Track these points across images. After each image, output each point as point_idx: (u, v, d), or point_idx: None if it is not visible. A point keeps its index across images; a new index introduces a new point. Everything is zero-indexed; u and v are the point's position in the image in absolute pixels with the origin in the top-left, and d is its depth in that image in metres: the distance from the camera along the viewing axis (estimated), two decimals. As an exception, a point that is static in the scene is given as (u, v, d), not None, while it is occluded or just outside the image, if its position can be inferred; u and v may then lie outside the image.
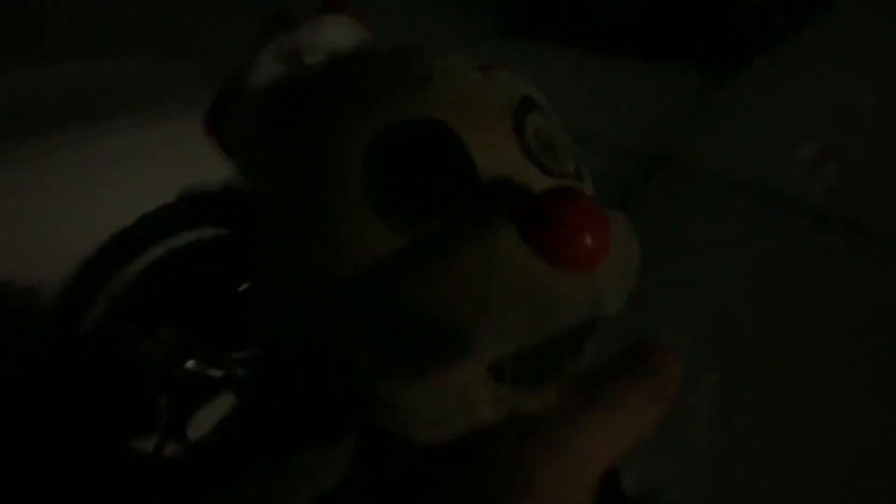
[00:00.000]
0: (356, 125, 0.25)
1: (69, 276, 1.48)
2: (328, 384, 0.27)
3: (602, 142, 2.86)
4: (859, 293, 2.17)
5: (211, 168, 1.50)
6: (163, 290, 1.62)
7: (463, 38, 3.34)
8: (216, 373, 1.61)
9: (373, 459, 0.28)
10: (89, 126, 1.39)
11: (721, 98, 3.13)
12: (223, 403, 1.68)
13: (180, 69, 1.76)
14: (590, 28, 3.60)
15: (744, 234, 2.42)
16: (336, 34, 0.31)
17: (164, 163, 1.44)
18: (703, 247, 2.35)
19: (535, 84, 0.30)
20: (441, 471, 0.24)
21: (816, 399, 1.87)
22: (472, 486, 0.23)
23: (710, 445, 1.74)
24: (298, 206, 0.27)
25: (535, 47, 3.49)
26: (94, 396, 1.57)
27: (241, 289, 1.58)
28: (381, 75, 0.27)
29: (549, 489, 0.22)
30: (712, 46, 3.29)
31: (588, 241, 0.22)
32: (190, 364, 1.60)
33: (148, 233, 1.55)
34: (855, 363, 1.95)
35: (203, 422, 1.69)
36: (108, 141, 1.38)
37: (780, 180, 2.63)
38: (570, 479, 0.23)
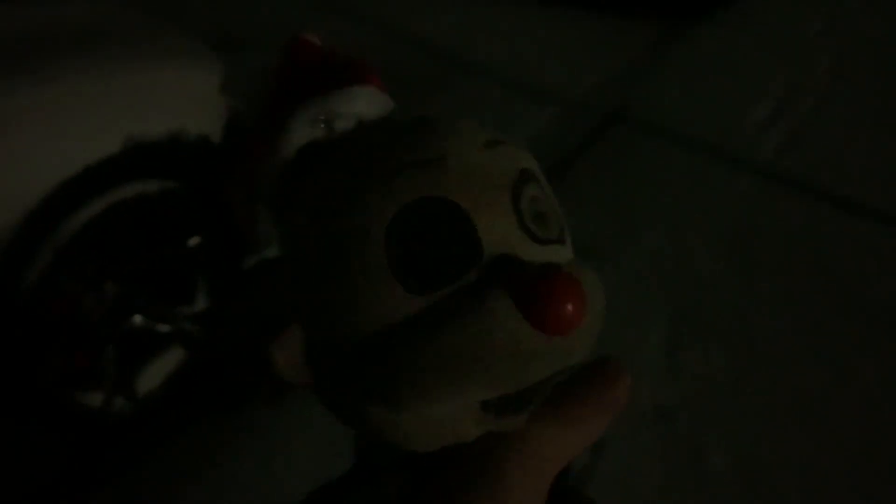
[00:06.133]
0: (382, 201, 0.29)
1: (9, 229, 1.44)
2: (334, 409, 0.32)
3: (559, 95, 2.86)
4: (805, 247, 2.22)
5: (156, 118, 1.47)
6: (108, 244, 1.59)
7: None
8: (164, 327, 1.60)
9: (371, 458, 0.34)
10: (27, 74, 1.33)
11: (676, 54, 3.14)
12: (172, 358, 1.67)
13: (124, 16, 1.70)
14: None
15: (695, 190, 2.45)
16: (364, 104, 0.34)
17: (108, 112, 1.39)
18: (655, 201, 2.37)
19: (531, 155, 0.35)
20: (430, 468, 0.30)
21: (760, 349, 1.93)
22: (456, 480, 0.30)
23: (656, 400, 1.78)
24: (327, 265, 0.30)
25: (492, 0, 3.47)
26: (39, 352, 1.55)
27: (189, 243, 1.56)
28: (403, 152, 0.31)
29: (517, 483, 0.29)
30: (668, 1, 3.29)
31: (568, 313, 0.27)
32: (137, 319, 1.59)
33: (91, 184, 1.51)
34: (799, 314, 2.01)
35: (152, 376, 1.68)
36: (47, 89, 1.32)
37: (732, 138, 2.66)
38: (534, 476, 0.30)
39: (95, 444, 1.58)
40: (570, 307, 0.27)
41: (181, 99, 1.47)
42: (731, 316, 1.99)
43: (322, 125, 0.33)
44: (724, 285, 2.08)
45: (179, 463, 1.59)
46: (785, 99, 2.73)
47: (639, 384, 1.81)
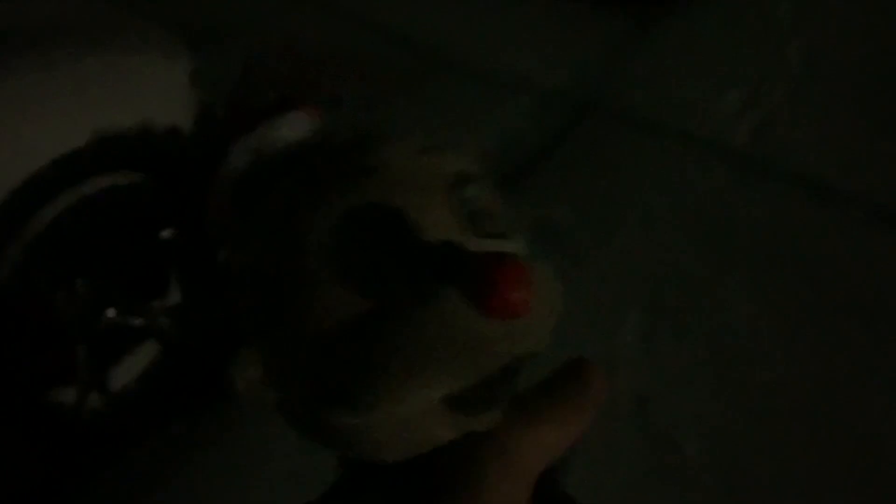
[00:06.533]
0: (323, 209, 0.31)
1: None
2: (301, 427, 0.32)
3: (533, 87, 2.86)
4: (780, 235, 2.24)
5: (124, 110, 1.45)
6: (78, 239, 1.57)
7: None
8: (137, 322, 1.58)
9: (353, 470, 0.34)
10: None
11: (649, 43, 3.14)
12: (146, 353, 1.65)
13: (91, 8, 1.68)
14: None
15: (671, 179, 2.45)
16: (290, 129, 0.38)
17: (74, 105, 1.37)
18: (630, 191, 2.38)
19: (472, 156, 0.36)
20: (411, 475, 0.31)
21: (735, 338, 1.94)
22: (438, 485, 0.30)
23: (632, 389, 1.79)
24: (276, 274, 0.31)
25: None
26: (10, 350, 1.53)
27: (161, 236, 1.55)
28: (339, 165, 0.33)
29: (497, 485, 0.29)
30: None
31: (513, 296, 0.28)
32: (109, 314, 1.57)
33: (59, 179, 1.49)
34: (774, 302, 2.03)
35: (126, 373, 1.66)
36: (12, 83, 1.31)
37: (706, 126, 2.67)
38: (514, 478, 0.30)
39: (69, 444, 1.56)
40: (514, 290, 0.28)
41: (149, 91, 1.46)
42: (706, 305, 2.00)
43: (255, 154, 0.37)
44: (699, 274, 2.09)
45: (153, 463, 1.58)
46: (757, 86, 2.74)
47: (614, 374, 1.82)
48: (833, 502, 1.61)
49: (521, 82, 2.86)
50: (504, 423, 0.30)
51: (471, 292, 0.28)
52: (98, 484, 1.54)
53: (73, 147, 1.34)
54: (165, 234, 1.51)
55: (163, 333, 1.55)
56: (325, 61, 2.80)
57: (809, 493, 1.61)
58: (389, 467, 0.31)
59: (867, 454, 1.68)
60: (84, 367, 1.49)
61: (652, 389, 1.79)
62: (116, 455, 1.56)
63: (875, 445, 1.69)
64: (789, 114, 2.64)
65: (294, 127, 0.30)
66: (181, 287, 1.56)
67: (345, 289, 0.29)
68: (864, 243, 2.17)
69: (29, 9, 1.52)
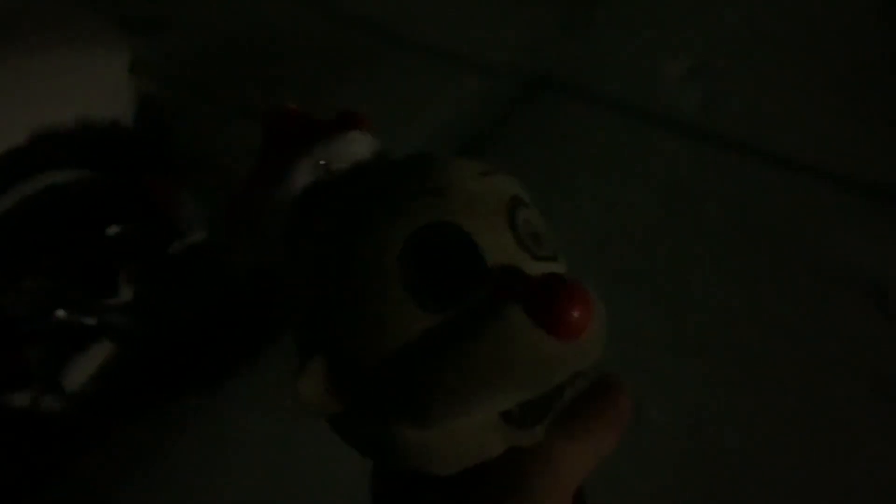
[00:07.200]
0: (394, 227, 0.32)
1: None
2: (357, 439, 0.33)
3: (483, 62, 2.86)
4: (734, 202, 2.27)
5: (63, 106, 1.42)
6: (23, 238, 1.53)
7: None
8: (89, 320, 1.56)
9: (391, 486, 0.35)
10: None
11: (597, 16, 3.16)
12: (100, 353, 1.63)
13: (28, 1, 1.63)
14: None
15: (623, 151, 2.47)
16: (358, 147, 0.38)
17: (10, 102, 1.34)
18: (584, 164, 2.39)
19: (518, 181, 0.38)
20: (454, 489, 0.32)
21: (694, 305, 1.97)
22: (485, 498, 0.31)
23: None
24: (345, 291, 0.32)
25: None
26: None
27: (108, 232, 1.52)
28: (407, 184, 0.34)
29: (543, 499, 0.31)
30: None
31: (578, 318, 0.30)
32: (60, 313, 1.54)
33: (0, 178, 1.45)
34: (732, 269, 2.06)
35: (80, 372, 1.63)
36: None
37: (655, 97, 2.69)
38: (559, 491, 0.32)
39: (24, 447, 1.53)
40: (578, 312, 0.30)
41: (89, 84, 1.42)
42: (665, 273, 2.03)
43: (322, 168, 0.37)
44: (657, 243, 2.11)
45: (111, 464, 1.56)
46: (703, 55, 2.77)
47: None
48: (799, 465, 1.65)
49: (470, 58, 2.85)
50: (548, 438, 0.32)
51: (537, 313, 0.30)
52: (58, 483, 1.52)
53: (13, 145, 1.30)
54: (112, 230, 1.49)
55: (116, 331, 1.53)
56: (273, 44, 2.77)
57: (775, 458, 1.65)
58: (430, 482, 0.32)
59: (832, 417, 1.72)
60: (37, 368, 1.47)
61: (612, 357, 1.81)
62: (76, 455, 1.54)
63: (840, 409, 1.74)
64: (736, 81, 2.67)
65: (358, 145, 0.31)
66: (132, 283, 1.54)
67: (415, 305, 0.30)
68: (818, 206, 2.21)
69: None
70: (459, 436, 0.30)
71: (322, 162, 0.37)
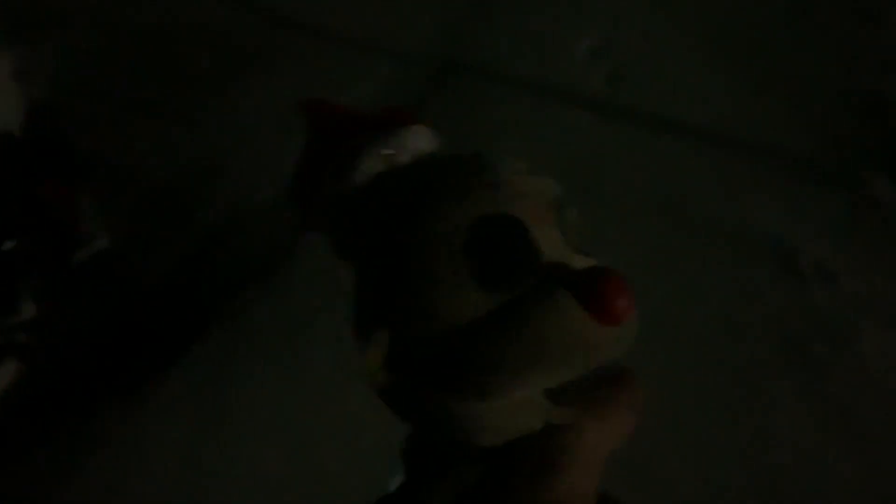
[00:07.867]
0: (460, 215, 0.35)
1: None
2: (407, 409, 0.35)
3: (395, 47, 2.84)
4: (645, 174, 2.32)
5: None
6: None
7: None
8: (-10, 341, 1.49)
9: (429, 456, 0.37)
10: None
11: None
12: (5, 373, 1.56)
13: None
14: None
15: (536, 130, 2.49)
16: (421, 141, 0.41)
17: None
18: (497, 145, 2.39)
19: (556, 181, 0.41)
20: (485, 460, 0.34)
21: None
22: (516, 468, 0.34)
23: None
24: (412, 270, 0.34)
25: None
26: None
27: (3, 247, 1.45)
28: (466, 178, 0.37)
29: (570, 470, 0.34)
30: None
31: (622, 305, 0.33)
32: (-42, 335, 1.46)
33: None
34: (646, 240, 2.10)
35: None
36: None
37: (563, 74, 2.70)
38: (586, 466, 0.34)
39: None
40: (623, 300, 0.33)
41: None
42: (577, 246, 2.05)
43: (386, 158, 0.40)
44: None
45: (30, 476, 1.50)
46: (609, 30, 2.81)
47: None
48: (714, 427, 1.71)
49: (381, 45, 2.83)
50: (577, 416, 0.35)
51: (588, 300, 0.33)
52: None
53: None
54: (7, 245, 1.42)
55: (23, 350, 1.47)
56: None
57: (691, 421, 1.71)
58: (468, 453, 0.34)
59: (747, 379, 1.80)
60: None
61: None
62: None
63: (754, 370, 1.81)
64: (643, 55, 2.71)
65: (424, 139, 0.33)
66: (34, 299, 1.47)
67: (475, 286, 0.33)
68: (728, 175, 2.27)
69: None
70: (508, 410, 0.33)
71: (390, 152, 0.40)
